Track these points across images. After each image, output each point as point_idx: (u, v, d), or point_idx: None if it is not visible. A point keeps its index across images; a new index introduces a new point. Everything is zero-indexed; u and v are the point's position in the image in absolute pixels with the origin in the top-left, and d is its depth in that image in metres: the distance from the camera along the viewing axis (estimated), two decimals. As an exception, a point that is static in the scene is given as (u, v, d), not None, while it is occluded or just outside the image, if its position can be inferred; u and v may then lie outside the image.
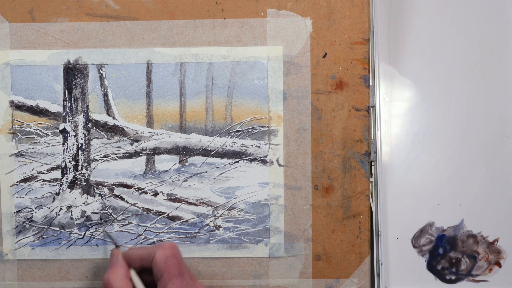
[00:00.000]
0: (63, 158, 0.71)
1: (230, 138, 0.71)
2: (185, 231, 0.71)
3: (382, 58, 0.74)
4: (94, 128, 0.71)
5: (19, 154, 0.71)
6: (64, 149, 0.71)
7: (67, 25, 0.70)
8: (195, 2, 0.70)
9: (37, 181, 0.71)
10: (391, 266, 0.73)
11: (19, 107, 0.71)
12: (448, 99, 0.73)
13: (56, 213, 0.71)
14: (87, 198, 0.71)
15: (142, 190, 0.71)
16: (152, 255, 0.61)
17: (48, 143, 0.71)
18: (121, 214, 0.71)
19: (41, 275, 0.71)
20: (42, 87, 0.70)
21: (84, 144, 0.71)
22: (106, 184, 0.71)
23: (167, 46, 0.70)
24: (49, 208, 0.71)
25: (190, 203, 0.71)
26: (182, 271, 0.61)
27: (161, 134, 0.71)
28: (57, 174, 0.71)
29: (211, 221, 0.71)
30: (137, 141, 0.71)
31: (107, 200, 0.71)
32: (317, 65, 0.70)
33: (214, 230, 0.71)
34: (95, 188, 0.71)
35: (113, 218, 0.71)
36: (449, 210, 0.73)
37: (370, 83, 0.71)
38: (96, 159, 0.71)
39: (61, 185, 0.71)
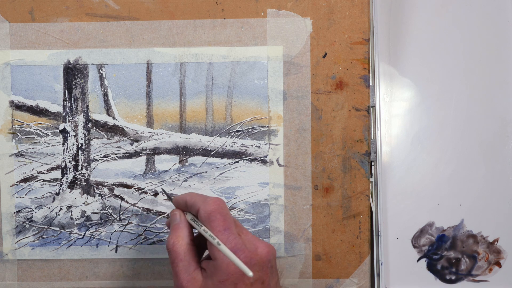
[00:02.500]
0: (63, 158, 0.71)
1: (230, 138, 0.71)
2: (185, 231, 0.71)
3: (382, 58, 0.74)
4: (94, 128, 0.71)
5: (19, 154, 0.71)
6: (64, 149, 0.71)
7: (67, 25, 0.70)
8: (195, 2, 0.70)
9: (37, 181, 0.71)
10: (391, 266, 0.73)
11: (19, 107, 0.71)
12: (448, 99, 0.73)
13: (56, 213, 0.71)
14: (87, 198, 0.71)
15: (142, 190, 0.71)
16: (196, 208, 0.57)
17: (48, 143, 0.71)
18: (121, 214, 0.71)
19: (41, 275, 0.71)
20: (42, 87, 0.70)
21: (84, 144, 0.71)
22: (106, 184, 0.71)
23: (167, 46, 0.70)
24: (49, 208, 0.71)
25: (190, 203, 0.71)
26: (228, 225, 0.55)
27: (161, 134, 0.71)
28: (57, 174, 0.71)
29: (211, 221, 0.71)
30: (137, 141, 0.71)
31: (107, 200, 0.71)
32: (317, 65, 0.70)
33: (214, 230, 0.71)
34: (95, 188, 0.71)
35: (113, 218, 0.71)
36: (449, 210, 0.73)
37: (370, 83, 0.71)
38: (96, 159, 0.71)
39: (61, 185, 0.71)
